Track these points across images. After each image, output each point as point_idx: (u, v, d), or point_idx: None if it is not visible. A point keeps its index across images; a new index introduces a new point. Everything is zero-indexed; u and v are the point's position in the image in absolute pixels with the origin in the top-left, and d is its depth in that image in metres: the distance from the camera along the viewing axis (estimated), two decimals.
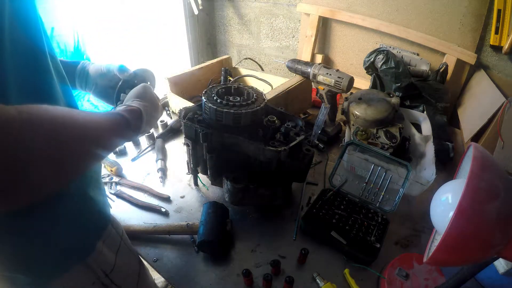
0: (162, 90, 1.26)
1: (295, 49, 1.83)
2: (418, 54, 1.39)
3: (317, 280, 0.70)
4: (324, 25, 1.61)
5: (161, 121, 1.20)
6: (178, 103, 1.22)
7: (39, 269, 0.51)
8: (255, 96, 0.81)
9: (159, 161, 1.03)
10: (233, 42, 2.06)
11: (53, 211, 0.48)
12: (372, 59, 1.29)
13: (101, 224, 0.61)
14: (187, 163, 0.91)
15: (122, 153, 1.10)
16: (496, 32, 1.22)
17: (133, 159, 1.08)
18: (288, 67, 1.16)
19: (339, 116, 1.20)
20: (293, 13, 1.72)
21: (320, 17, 1.56)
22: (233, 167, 0.81)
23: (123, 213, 0.87)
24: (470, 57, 1.29)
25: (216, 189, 0.96)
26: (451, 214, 0.41)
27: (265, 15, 1.82)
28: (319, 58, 1.67)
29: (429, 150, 1.00)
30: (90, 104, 1.30)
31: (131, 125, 0.53)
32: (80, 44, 1.28)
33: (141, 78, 0.71)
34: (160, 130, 1.20)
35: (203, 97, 0.78)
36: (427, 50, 1.38)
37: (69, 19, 1.22)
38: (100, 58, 1.37)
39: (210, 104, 0.76)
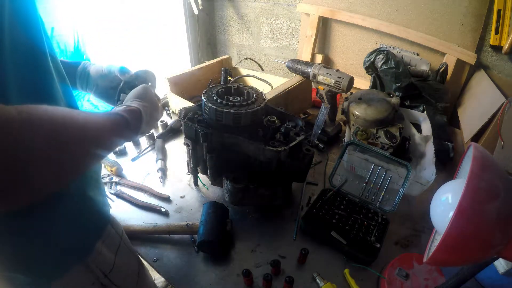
0: (162, 90, 1.26)
1: (295, 49, 1.83)
2: (418, 54, 1.39)
3: (317, 280, 0.70)
4: (324, 25, 1.61)
5: (161, 121, 1.20)
6: (178, 103, 1.22)
7: (39, 269, 0.51)
8: (255, 96, 0.81)
9: (159, 161, 1.03)
10: (233, 42, 2.06)
11: (53, 211, 0.48)
12: (372, 59, 1.29)
13: (101, 224, 0.61)
14: (187, 163, 0.91)
15: (122, 153, 1.10)
16: (496, 32, 1.22)
17: (133, 159, 1.08)
18: (288, 67, 1.16)
19: (339, 116, 1.20)
20: (293, 13, 1.72)
21: (320, 17, 1.56)
22: (233, 167, 0.81)
23: (123, 213, 0.87)
24: (470, 57, 1.29)
25: (216, 189, 0.96)
26: (451, 214, 0.41)
27: (265, 15, 1.82)
28: (319, 58, 1.67)
29: (429, 150, 1.00)
30: (90, 104, 1.30)
31: (130, 125, 0.53)
32: (80, 44, 1.28)
33: (142, 79, 0.71)
34: (160, 130, 1.20)
35: (203, 97, 0.78)
36: (427, 50, 1.38)
37: (69, 19, 1.22)
38: (100, 58, 1.37)
39: (210, 104, 0.76)
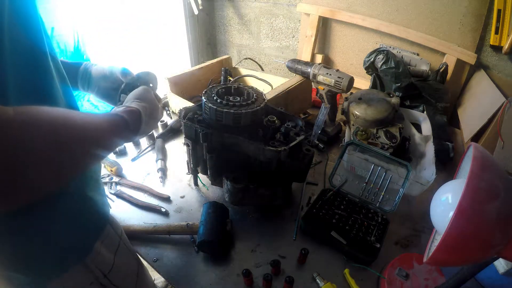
0: (162, 90, 1.26)
1: (295, 49, 1.83)
2: (418, 54, 1.39)
3: (317, 280, 0.70)
4: (324, 25, 1.61)
5: (161, 121, 1.20)
6: (178, 103, 1.22)
7: (38, 268, 0.51)
8: (255, 96, 0.81)
9: (159, 161, 1.03)
10: (233, 42, 2.06)
11: (53, 210, 0.48)
12: (372, 59, 1.29)
13: (100, 224, 0.61)
14: (187, 163, 0.91)
15: (122, 153, 1.10)
16: (496, 32, 1.22)
17: (133, 159, 1.08)
18: (288, 67, 1.16)
19: (339, 116, 1.20)
20: (293, 13, 1.72)
21: (320, 17, 1.56)
22: (233, 167, 0.81)
23: (123, 213, 0.87)
24: (470, 57, 1.29)
25: (216, 189, 0.96)
26: (451, 214, 0.41)
27: (265, 15, 1.82)
28: (319, 58, 1.67)
29: (429, 150, 1.00)
30: (90, 104, 1.30)
31: (129, 125, 0.53)
32: (80, 44, 1.28)
33: (143, 81, 0.71)
34: (160, 130, 1.20)
35: (203, 97, 0.78)
36: (427, 50, 1.38)
37: (69, 19, 1.22)
38: (100, 58, 1.37)
39: (210, 104, 0.76)
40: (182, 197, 0.94)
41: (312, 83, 1.12)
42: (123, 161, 1.05)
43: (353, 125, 1.07)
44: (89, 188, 0.56)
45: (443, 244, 0.42)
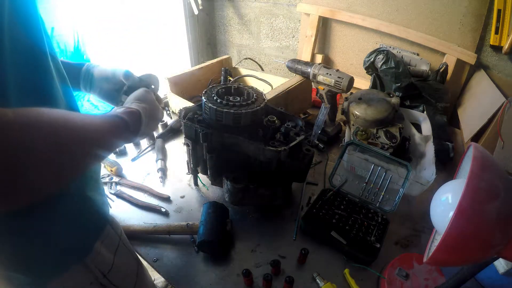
0: (162, 90, 1.26)
1: (295, 49, 1.83)
2: (418, 54, 1.39)
3: (317, 280, 0.70)
4: (324, 25, 1.61)
5: (161, 121, 1.20)
6: (178, 103, 1.22)
7: (38, 268, 0.51)
8: (255, 96, 0.81)
9: (159, 161, 1.03)
10: (233, 42, 2.06)
11: (53, 211, 0.48)
12: (372, 59, 1.29)
13: (100, 224, 0.61)
14: (187, 163, 0.91)
15: (122, 153, 1.10)
16: (496, 32, 1.22)
17: (133, 159, 1.08)
18: (288, 67, 1.16)
19: (339, 116, 1.20)
20: (293, 13, 1.72)
21: (320, 17, 1.56)
22: (233, 167, 0.81)
23: (123, 213, 0.87)
24: (470, 57, 1.29)
25: (216, 189, 0.96)
26: (451, 214, 0.41)
27: (265, 15, 1.82)
28: (319, 58, 1.67)
29: (429, 150, 1.00)
30: (90, 104, 1.30)
31: (129, 126, 0.53)
32: (80, 44, 1.28)
33: (145, 83, 0.71)
34: (160, 130, 1.20)
35: (203, 97, 0.78)
36: (427, 50, 1.38)
37: (69, 19, 1.22)
38: (100, 58, 1.37)
39: (210, 104, 0.76)
40: (182, 197, 0.94)
41: (312, 83, 1.12)
42: (123, 161, 1.05)
43: (353, 125, 1.07)
44: (89, 188, 0.56)
45: (443, 244, 0.42)
